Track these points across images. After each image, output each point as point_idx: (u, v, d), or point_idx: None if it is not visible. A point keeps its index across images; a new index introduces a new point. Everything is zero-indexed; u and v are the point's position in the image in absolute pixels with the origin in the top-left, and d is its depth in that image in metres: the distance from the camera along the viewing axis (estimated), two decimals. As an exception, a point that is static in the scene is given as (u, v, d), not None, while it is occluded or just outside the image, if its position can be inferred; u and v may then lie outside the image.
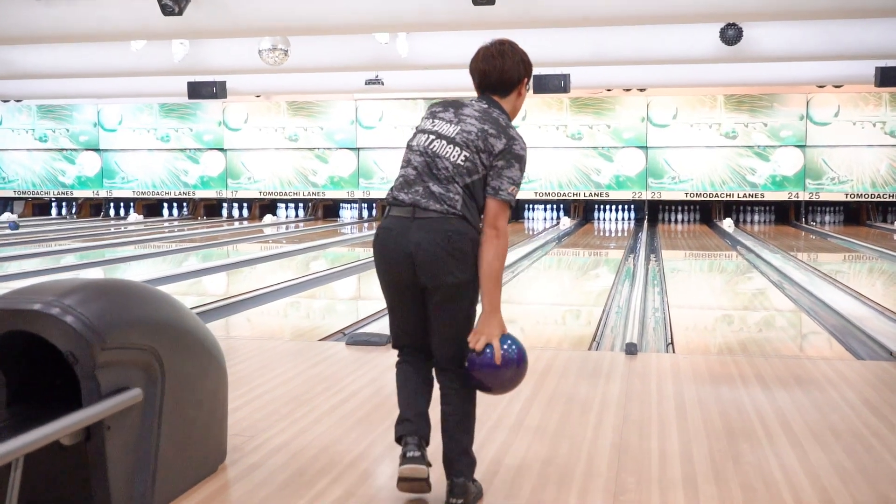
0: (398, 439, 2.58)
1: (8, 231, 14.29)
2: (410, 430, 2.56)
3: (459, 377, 2.58)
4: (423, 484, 2.53)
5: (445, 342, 2.58)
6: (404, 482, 2.53)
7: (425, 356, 2.66)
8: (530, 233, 14.76)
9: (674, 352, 5.03)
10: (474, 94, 2.73)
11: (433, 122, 2.66)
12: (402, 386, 2.66)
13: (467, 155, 2.59)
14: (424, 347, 2.65)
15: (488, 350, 2.50)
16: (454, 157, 2.60)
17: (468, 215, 2.56)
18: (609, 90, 16.35)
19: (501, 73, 2.67)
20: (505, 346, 2.51)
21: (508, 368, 2.51)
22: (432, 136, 2.63)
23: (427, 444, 2.59)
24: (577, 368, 4.40)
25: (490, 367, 2.49)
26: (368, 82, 13.82)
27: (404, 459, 2.53)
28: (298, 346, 5.01)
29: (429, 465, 2.56)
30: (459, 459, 2.57)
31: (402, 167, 2.66)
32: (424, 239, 2.53)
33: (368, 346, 4.90)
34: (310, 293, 7.66)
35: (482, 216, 2.59)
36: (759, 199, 16.45)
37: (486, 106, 2.66)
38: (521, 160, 2.60)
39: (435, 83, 13.69)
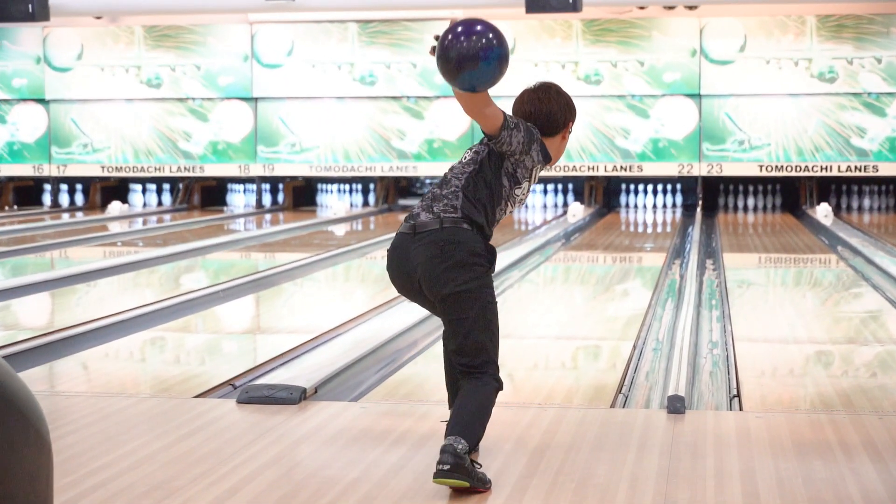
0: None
1: None
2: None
3: (475, 377, 3.81)
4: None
5: (457, 345, 3.84)
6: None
7: None
8: (524, 228, 14.82)
9: (741, 408, 5.08)
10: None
11: None
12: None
13: (476, 148, 3.97)
14: None
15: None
16: (463, 158, 3.98)
17: (472, 212, 3.83)
18: (642, 8, 16.47)
19: (549, 115, 3.98)
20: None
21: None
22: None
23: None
24: (595, 436, 4.43)
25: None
26: (271, -4, 13.78)
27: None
28: (163, 407, 4.98)
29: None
30: (456, 426, 3.67)
31: None
32: (422, 255, 3.80)
33: (272, 406, 4.89)
34: (181, 324, 7.63)
35: (504, 205, 3.96)
36: (872, 174, 16.68)
37: None
38: (521, 120, 3.92)
39: (374, -3, 13.69)
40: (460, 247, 3.78)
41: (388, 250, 3.95)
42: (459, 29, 3.64)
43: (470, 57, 3.58)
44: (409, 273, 3.87)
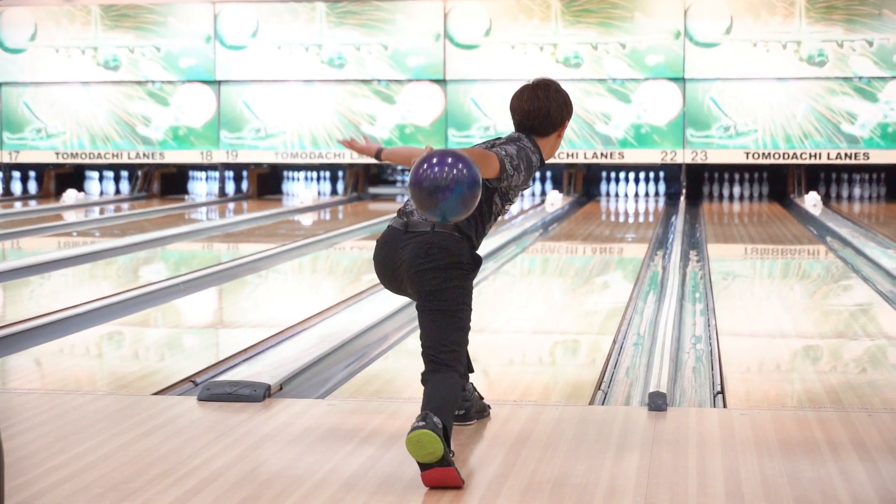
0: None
1: None
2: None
3: (441, 371, 4.04)
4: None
5: (429, 339, 4.10)
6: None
7: None
8: (500, 217, 14.82)
9: (725, 405, 5.10)
10: None
11: None
12: None
13: None
14: None
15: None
16: None
17: (463, 223, 4.09)
18: (624, -13, 16.50)
19: (547, 114, 4.26)
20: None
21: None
22: None
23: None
24: (573, 434, 4.43)
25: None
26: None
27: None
28: (120, 404, 4.96)
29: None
30: (430, 404, 3.85)
31: None
32: (409, 253, 4.11)
33: (235, 403, 4.88)
34: (140, 318, 7.62)
35: (494, 219, 4.30)
36: (862, 161, 16.76)
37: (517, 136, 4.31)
38: (523, 151, 4.18)
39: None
40: (446, 252, 4.08)
41: (377, 241, 4.26)
42: (434, 160, 3.75)
43: (441, 189, 3.67)
44: (393, 267, 4.18)
